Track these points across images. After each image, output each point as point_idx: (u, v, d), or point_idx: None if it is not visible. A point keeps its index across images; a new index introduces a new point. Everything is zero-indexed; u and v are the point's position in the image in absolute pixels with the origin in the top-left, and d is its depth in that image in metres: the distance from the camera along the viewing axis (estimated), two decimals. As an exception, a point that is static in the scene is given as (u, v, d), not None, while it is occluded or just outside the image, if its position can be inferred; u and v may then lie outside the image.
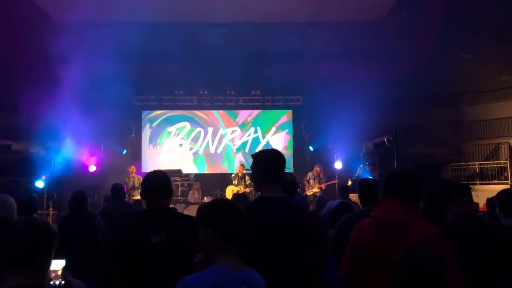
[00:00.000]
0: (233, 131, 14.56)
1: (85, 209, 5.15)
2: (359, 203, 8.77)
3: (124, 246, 2.60)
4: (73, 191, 5.25)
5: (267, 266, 2.03)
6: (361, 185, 3.78)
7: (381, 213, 2.53)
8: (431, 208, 3.51)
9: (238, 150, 14.46)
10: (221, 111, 14.62)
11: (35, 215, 5.07)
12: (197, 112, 14.52)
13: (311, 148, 13.56)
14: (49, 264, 1.90)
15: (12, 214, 2.68)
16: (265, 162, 2.57)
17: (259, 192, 2.64)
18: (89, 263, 4.85)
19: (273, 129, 14.60)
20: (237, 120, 14.65)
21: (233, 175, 12.13)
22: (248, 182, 11.39)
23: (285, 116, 14.71)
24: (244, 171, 11.74)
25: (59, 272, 2.09)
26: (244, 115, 14.69)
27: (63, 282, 2.09)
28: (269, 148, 2.72)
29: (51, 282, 2.03)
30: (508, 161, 15.02)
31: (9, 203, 2.73)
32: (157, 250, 2.44)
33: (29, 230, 1.83)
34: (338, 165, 12.61)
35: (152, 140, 14.38)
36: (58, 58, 9.10)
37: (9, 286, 1.77)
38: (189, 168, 13.71)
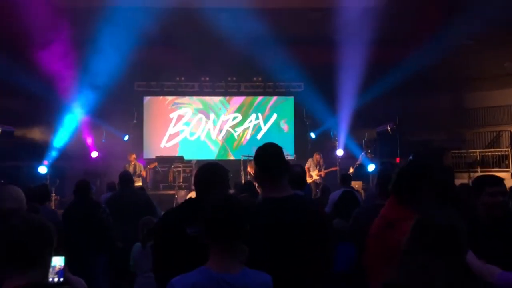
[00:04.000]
0: (234, 118, 14.53)
1: (89, 198, 5.12)
2: (361, 191, 8.71)
3: (163, 234, 2.58)
4: (77, 180, 5.22)
5: (272, 265, 2.02)
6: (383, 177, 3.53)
7: (383, 210, 2.62)
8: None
9: (239, 136, 14.45)
10: (222, 97, 14.57)
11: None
12: (199, 99, 14.47)
13: (312, 135, 13.54)
14: (50, 261, 1.85)
15: (21, 206, 2.63)
16: (260, 159, 2.38)
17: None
18: (96, 253, 4.87)
19: (275, 115, 14.56)
20: (238, 106, 14.60)
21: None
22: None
23: (287, 103, 14.66)
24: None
25: (57, 269, 2.08)
26: (246, 101, 14.65)
27: (61, 279, 2.09)
28: (270, 142, 2.59)
29: (50, 279, 2.00)
30: (509, 149, 15.01)
31: (17, 194, 2.67)
32: (191, 242, 2.39)
33: (28, 227, 1.75)
34: (339, 152, 12.59)
35: (154, 126, 14.35)
36: (60, 40, 8.99)
37: (10, 286, 1.70)
38: (191, 154, 13.69)
